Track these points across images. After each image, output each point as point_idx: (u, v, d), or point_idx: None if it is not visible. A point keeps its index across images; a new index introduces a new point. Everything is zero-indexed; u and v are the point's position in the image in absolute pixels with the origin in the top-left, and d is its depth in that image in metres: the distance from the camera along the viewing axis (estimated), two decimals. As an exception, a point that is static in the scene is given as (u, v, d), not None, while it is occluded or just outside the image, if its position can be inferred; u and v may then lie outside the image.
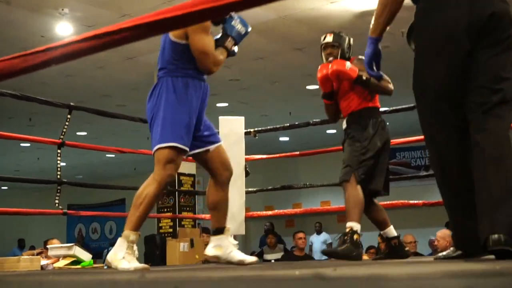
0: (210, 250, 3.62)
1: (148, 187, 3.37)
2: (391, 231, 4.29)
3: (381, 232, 4.32)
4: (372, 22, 2.85)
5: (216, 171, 3.63)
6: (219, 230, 3.63)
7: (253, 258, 3.69)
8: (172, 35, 3.50)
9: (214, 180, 3.66)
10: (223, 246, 3.58)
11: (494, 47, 2.52)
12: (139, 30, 1.03)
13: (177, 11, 0.97)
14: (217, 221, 3.66)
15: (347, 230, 3.95)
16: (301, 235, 9.02)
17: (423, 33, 2.63)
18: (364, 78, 4.14)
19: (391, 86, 4.25)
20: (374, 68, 2.91)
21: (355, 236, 3.92)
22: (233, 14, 3.62)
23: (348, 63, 4.19)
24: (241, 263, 3.54)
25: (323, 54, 4.44)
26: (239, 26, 3.63)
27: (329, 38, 4.42)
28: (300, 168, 16.25)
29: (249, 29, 3.69)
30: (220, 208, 3.67)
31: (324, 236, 14.23)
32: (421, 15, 2.64)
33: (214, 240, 3.63)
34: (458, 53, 2.53)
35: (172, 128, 3.38)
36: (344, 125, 4.35)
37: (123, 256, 3.24)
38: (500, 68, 2.52)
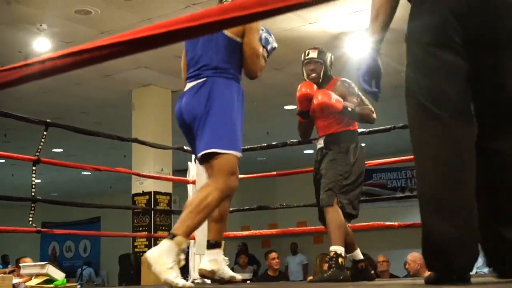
0: (206, 265, 3.51)
1: (211, 195, 3.05)
2: (358, 254, 4.29)
3: (348, 255, 4.26)
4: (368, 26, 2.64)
5: None
6: (217, 244, 3.55)
7: (240, 277, 3.67)
8: (227, 30, 3.27)
9: None
10: (218, 261, 3.52)
11: None
12: (117, 48, 1.02)
13: (158, 29, 0.97)
14: (216, 234, 3.56)
15: (331, 254, 3.92)
16: (273, 255, 9.01)
17: None
18: (349, 109, 4.14)
19: (374, 115, 4.25)
20: (371, 84, 2.58)
21: (340, 260, 3.91)
22: (263, 27, 3.57)
23: (333, 95, 4.13)
24: (232, 280, 3.52)
25: (305, 69, 4.39)
26: (271, 40, 3.61)
27: (314, 54, 4.36)
28: (277, 188, 16.25)
29: (276, 45, 3.67)
30: (223, 220, 3.57)
31: (299, 257, 14.21)
32: None
33: (210, 254, 3.52)
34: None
35: (236, 136, 3.23)
36: (321, 145, 4.31)
37: (171, 266, 2.81)
38: None
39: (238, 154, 3.23)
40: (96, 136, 5.90)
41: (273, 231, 7.35)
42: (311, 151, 14.42)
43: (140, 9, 7.01)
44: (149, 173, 8.41)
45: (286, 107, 10.83)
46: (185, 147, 6.32)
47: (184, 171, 6.50)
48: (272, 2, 0.94)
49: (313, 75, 4.32)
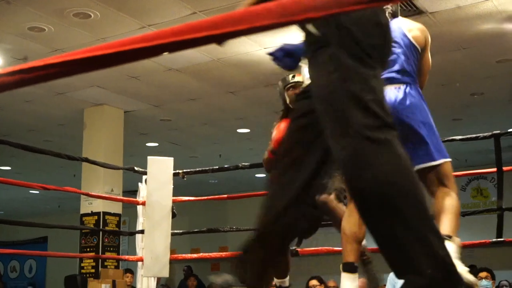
0: None
1: (457, 200, 3.21)
2: (287, 282, 4.29)
3: (276, 280, 4.23)
4: None
5: None
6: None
7: None
8: (414, 39, 3.27)
9: None
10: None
11: None
12: (68, 66, 1.01)
13: (111, 48, 0.97)
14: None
15: None
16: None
17: None
18: None
19: None
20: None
21: None
22: None
23: None
24: None
25: (288, 93, 4.30)
26: None
27: (299, 78, 4.28)
28: (228, 211, 16.21)
29: None
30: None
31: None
32: None
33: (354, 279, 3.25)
34: None
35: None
36: None
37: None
38: None
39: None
40: (45, 154, 5.80)
41: (223, 254, 7.32)
42: (263, 175, 14.44)
43: (94, 28, 6.96)
44: (98, 193, 8.30)
45: (239, 130, 10.85)
46: (136, 168, 6.27)
47: (134, 192, 6.44)
48: (223, 26, 0.95)
49: None
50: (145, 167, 5.95)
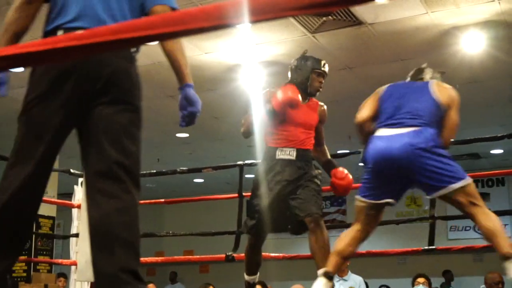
0: None
1: (495, 215, 3.47)
2: (256, 279, 4.40)
3: (248, 277, 4.36)
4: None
5: None
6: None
7: None
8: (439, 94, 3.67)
9: None
10: None
11: None
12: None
13: (38, 46, 0.95)
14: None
15: None
16: (151, 286, 8.88)
17: None
18: None
19: None
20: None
21: None
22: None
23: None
24: None
25: (315, 77, 4.14)
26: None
27: (327, 69, 4.23)
28: (165, 216, 16.11)
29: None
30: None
31: (179, 286, 14.04)
32: None
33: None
34: None
35: None
36: (293, 157, 4.09)
37: None
38: None
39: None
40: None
41: (158, 259, 7.27)
42: (201, 180, 14.42)
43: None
44: (32, 195, 8.11)
45: (178, 135, 10.79)
46: (72, 170, 6.16)
47: (70, 194, 6.33)
48: (159, 27, 0.94)
49: (320, 89, 4.19)
50: (81, 170, 5.85)
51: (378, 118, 3.69)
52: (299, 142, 4.11)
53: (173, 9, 2.45)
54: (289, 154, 4.08)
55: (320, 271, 3.64)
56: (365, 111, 3.75)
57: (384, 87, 3.82)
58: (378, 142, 3.54)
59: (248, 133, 4.22)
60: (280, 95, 3.94)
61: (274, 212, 4.03)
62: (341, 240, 3.63)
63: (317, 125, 4.23)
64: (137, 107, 2.36)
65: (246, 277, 4.36)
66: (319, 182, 4.12)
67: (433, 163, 3.41)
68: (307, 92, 4.16)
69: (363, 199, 3.62)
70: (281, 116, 4.03)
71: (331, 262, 3.60)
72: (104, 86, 2.27)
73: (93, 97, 2.28)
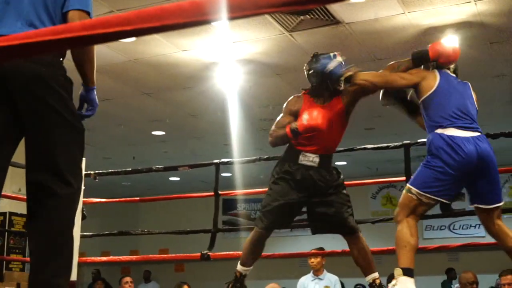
0: None
1: None
2: (248, 271, 4.38)
3: (242, 268, 4.36)
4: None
5: None
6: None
7: None
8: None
9: None
10: None
11: None
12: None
13: (12, 41, 0.92)
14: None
15: (375, 280, 4.16)
16: (127, 279, 8.83)
17: None
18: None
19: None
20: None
21: (377, 281, 4.14)
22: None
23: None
24: None
25: (342, 82, 4.08)
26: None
27: (340, 58, 4.22)
28: (140, 214, 16.03)
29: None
30: None
31: (153, 284, 13.99)
32: None
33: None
34: None
35: None
36: (316, 164, 4.01)
37: None
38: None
39: None
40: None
41: (133, 257, 7.21)
42: (176, 178, 14.37)
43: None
44: (5, 192, 8.02)
45: (154, 133, 10.73)
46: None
47: (43, 192, 6.24)
48: (134, 23, 0.92)
49: (341, 83, 4.08)
50: (55, 167, 5.79)
51: (431, 108, 3.78)
52: (323, 148, 4.03)
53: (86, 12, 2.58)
54: (312, 160, 4.00)
55: (399, 271, 3.56)
56: (413, 78, 4.05)
57: (436, 73, 3.91)
58: (466, 143, 3.58)
59: (275, 145, 4.17)
60: (306, 118, 3.88)
61: (292, 214, 4.16)
62: (413, 236, 3.59)
63: (348, 109, 4.11)
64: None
65: (240, 267, 4.28)
66: (345, 191, 4.11)
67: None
68: (331, 91, 4.07)
69: (432, 196, 3.61)
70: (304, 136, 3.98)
71: (410, 259, 3.57)
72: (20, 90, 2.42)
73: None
